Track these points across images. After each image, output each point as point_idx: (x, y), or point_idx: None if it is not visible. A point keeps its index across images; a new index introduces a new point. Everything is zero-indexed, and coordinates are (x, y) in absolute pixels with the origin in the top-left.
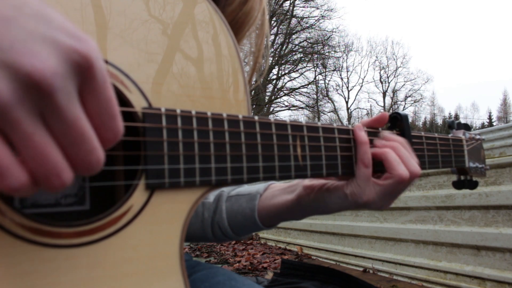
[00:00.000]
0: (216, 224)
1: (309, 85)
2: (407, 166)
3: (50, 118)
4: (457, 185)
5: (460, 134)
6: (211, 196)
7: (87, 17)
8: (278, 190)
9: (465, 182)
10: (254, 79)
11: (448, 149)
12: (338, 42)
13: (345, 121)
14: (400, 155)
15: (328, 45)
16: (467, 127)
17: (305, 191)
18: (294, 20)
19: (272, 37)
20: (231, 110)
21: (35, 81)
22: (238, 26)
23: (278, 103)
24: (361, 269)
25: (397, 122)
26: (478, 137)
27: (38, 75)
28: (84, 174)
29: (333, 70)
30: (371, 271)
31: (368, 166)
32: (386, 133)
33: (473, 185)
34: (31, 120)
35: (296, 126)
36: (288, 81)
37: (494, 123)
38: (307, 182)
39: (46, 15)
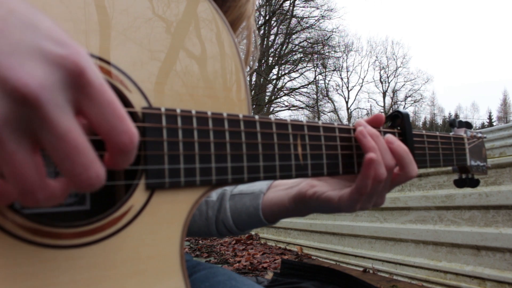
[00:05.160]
0: (221, 222)
1: (309, 85)
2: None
3: (40, 132)
4: (459, 183)
5: (461, 132)
6: (214, 194)
7: (90, 15)
8: (280, 190)
9: (467, 180)
10: (247, 69)
11: (449, 147)
12: (338, 42)
13: (345, 121)
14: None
15: (328, 45)
16: (468, 125)
17: (299, 197)
18: (294, 20)
19: (272, 37)
20: (233, 109)
21: (21, 96)
22: (241, 21)
23: (278, 103)
24: (361, 269)
25: (398, 120)
26: (479, 135)
27: (24, 89)
28: (84, 190)
29: (333, 70)
30: (371, 271)
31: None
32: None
33: (474, 183)
34: (15, 138)
35: (297, 125)
36: (288, 81)
37: (494, 123)
38: (304, 186)
39: (33, 23)
